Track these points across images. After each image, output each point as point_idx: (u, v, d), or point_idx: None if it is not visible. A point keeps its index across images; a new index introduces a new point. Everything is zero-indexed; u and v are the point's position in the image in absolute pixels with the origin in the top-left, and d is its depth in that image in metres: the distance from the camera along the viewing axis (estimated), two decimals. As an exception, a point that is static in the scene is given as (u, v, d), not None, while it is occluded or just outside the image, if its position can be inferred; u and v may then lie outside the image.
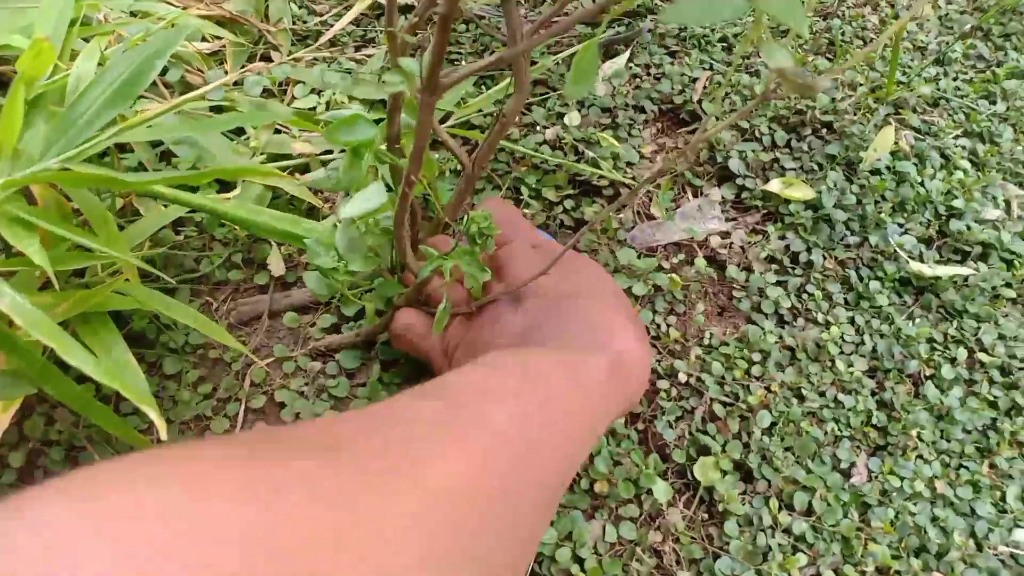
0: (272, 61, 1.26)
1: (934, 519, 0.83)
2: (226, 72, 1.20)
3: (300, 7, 1.34)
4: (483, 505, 0.37)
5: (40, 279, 0.89)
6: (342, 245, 0.81)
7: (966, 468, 0.87)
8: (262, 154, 1.11)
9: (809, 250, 1.01)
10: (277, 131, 1.14)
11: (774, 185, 1.07)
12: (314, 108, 1.18)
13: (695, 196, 1.11)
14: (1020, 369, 0.92)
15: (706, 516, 0.88)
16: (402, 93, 0.78)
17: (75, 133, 0.83)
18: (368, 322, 0.94)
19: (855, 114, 1.13)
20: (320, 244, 0.81)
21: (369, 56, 1.28)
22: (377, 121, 0.75)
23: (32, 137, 0.85)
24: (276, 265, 1.05)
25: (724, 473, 0.88)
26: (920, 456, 0.87)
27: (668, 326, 0.98)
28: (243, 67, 1.23)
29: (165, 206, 1.04)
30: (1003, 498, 0.85)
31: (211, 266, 1.05)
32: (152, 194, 0.83)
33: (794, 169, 1.09)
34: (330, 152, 1.13)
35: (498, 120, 0.77)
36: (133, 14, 1.13)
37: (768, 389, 0.92)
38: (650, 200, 1.11)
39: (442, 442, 0.38)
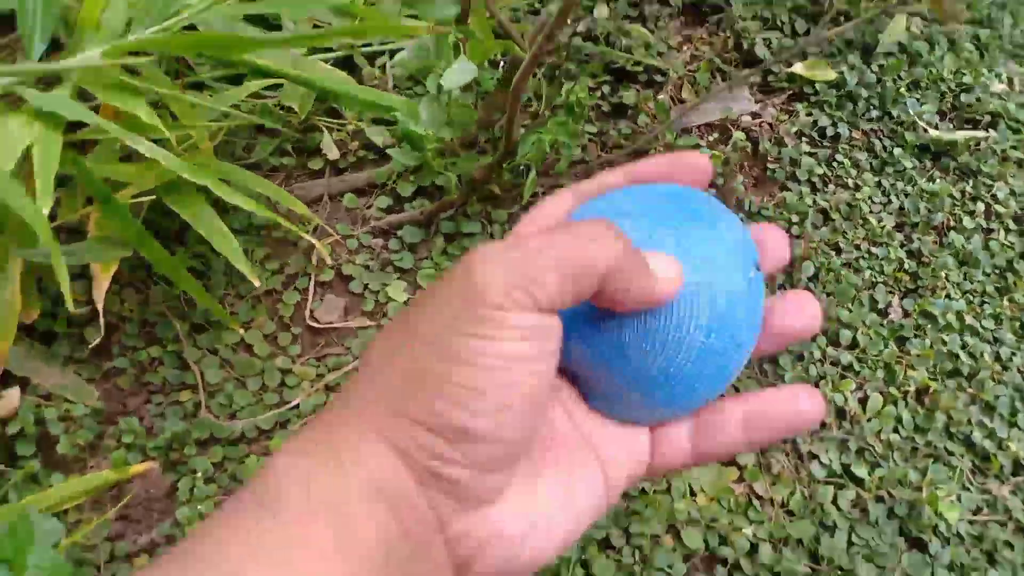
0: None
1: (964, 346, 0.98)
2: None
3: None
4: None
5: (117, 153, 0.95)
6: (426, 117, 0.91)
7: (988, 303, 1.02)
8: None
9: (835, 124, 1.15)
10: (316, 26, 1.22)
11: (798, 68, 1.19)
12: None
13: (724, 80, 1.23)
14: (1031, 218, 1.07)
15: (760, 357, 1.01)
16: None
17: (160, 9, 0.89)
18: (450, 194, 1.03)
19: (869, 3, 1.27)
20: (407, 116, 0.91)
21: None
22: None
23: (110, 13, 0.92)
24: (331, 150, 1.13)
25: (774, 318, 1.00)
26: (948, 295, 1.02)
27: (710, 196, 1.10)
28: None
29: (211, 95, 1.12)
30: (1022, 327, 1.00)
31: (264, 153, 1.13)
32: (247, 65, 0.91)
33: (815, 54, 1.22)
34: (369, 45, 1.21)
35: (552, 24, 0.87)
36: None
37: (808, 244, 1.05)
38: (681, 86, 1.23)
39: None
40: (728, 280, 0.30)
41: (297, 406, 0.96)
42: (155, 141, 0.90)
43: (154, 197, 0.87)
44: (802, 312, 0.31)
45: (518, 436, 0.27)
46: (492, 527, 0.28)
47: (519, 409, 0.27)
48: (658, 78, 1.22)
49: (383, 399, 0.27)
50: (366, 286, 1.06)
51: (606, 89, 1.20)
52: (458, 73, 0.88)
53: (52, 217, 0.97)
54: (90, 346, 0.95)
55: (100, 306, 0.87)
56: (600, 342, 0.30)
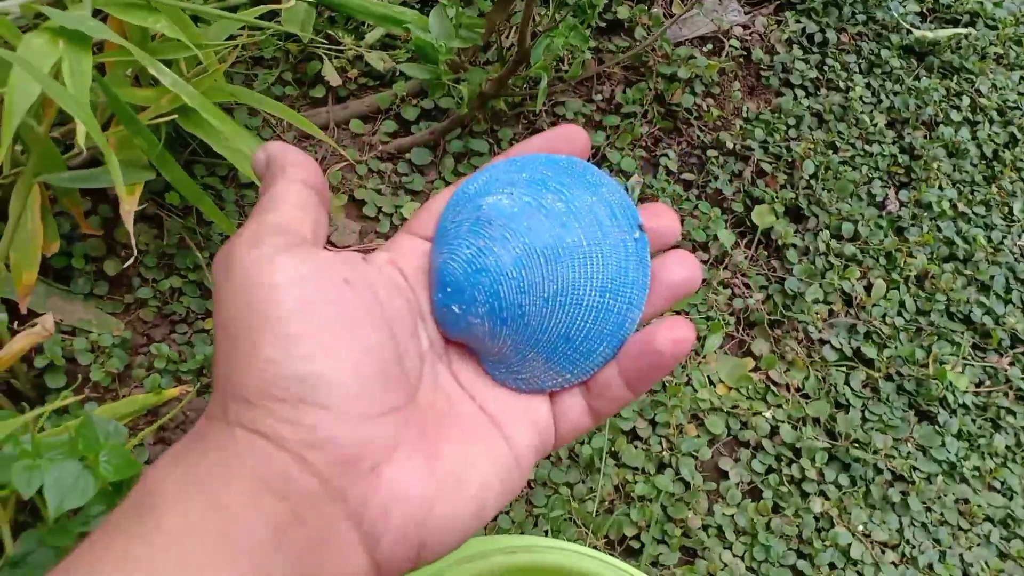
0: None
1: (958, 231, 1.00)
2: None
3: None
4: None
5: (129, 78, 0.93)
6: (435, 28, 0.90)
7: (978, 191, 1.04)
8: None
9: (823, 31, 1.15)
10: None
11: (784, -23, 1.19)
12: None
13: (713, -7, 1.22)
14: (1012, 109, 1.10)
15: (766, 254, 1.02)
16: None
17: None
18: (460, 110, 1.02)
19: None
20: (418, 26, 0.89)
21: None
22: None
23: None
24: (332, 76, 1.11)
25: (777, 216, 1.02)
26: (940, 185, 1.04)
27: (708, 106, 1.11)
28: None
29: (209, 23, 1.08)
30: (1010, 212, 1.03)
31: (265, 84, 1.10)
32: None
33: (799, -37, 1.22)
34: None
35: None
36: None
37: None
38: (671, 2, 1.22)
39: None
40: (617, 240, 0.30)
41: (324, 325, 0.95)
42: (166, 63, 0.87)
43: (174, 116, 0.84)
44: (683, 266, 0.31)
45: (365, 363, 0.26)
46: (393, 489, 0.26)
47: (341, 333, 0.26)
48: (648, -6, 1.21)
49: (228, 388, 0.26)
50: (380, 209, 1.05)
51: (599, 5, 1.19)
52: None
53: (70, 146, 0.95)
54: (117, 278, 0.94)
55: (130, 226, 0.85)
56: (500, 308, 0.30)
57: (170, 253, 1.00)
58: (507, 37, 1.20)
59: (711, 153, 1.07)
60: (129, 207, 0.87)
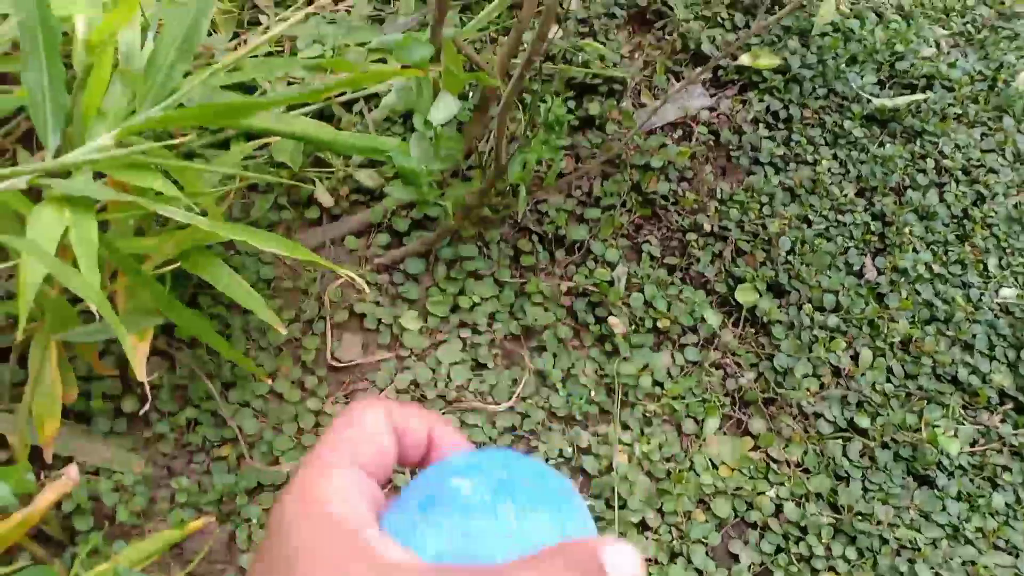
0: (260, 24, 1.34)
1: (937, 293, 1.02)
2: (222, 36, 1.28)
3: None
4: None
5: (133, 227, 0.97)
6: (416, 154, 0.94)
7: (952, 251, 1.06)
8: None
9: (787, 107, 1.19)
10: (290, 83, 1.23)
11: (744, 59, 1.23)
12: (321, 55, 1.27)
13: (678, 80, 1.26)
14: (977, 168, 1.12)
15: (753, 331, 1.04)
16: (445, 10, 0.92)
17: (160, 85, 0.91)
18: (447, 221, 1.05)
19: (798, -10, 1.31)
20: (400, 154, 0.93)
21: (351, 7, 1.38)
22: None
23: (110, 99, 0.93)
24: (325, 198, 1.15)
25: (760, 293, 1.04)
26: (914, 249, 1.06)
27: (684, 191, 1.14)
28: (234, 32, 1.31)
29: (204, 162, 1.13)
30: (986, 268, 1.05)
31: (262, 210, 1.14)
32: (246, 128, 0.92)
33: (757, 44, 1.26)
34: (343, 94, 1.23)
35: (531, 50, 0.90)
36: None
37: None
38: (640, 91, 1.26)
39: None
40: None
41: (335, 443, 0.97)
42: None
43: (177, 264, 0.88)
44: None
45: None
46: None
47: None
48: (617, 87, 1.25)
49: None
50: (379, 321, 1.08)
51: (571, 104, 1.23)
52: (443, 108, 0.92)
53: (79, 298, 0.98)
54: (135, 414, 0.97)
55: (143, 374, 0.88)
56: None
57: (183, 384, 1.02)
58: (486, 142, 1.24)
59: (691, 236, 1.10)
60: (140, 357, 0.90)
